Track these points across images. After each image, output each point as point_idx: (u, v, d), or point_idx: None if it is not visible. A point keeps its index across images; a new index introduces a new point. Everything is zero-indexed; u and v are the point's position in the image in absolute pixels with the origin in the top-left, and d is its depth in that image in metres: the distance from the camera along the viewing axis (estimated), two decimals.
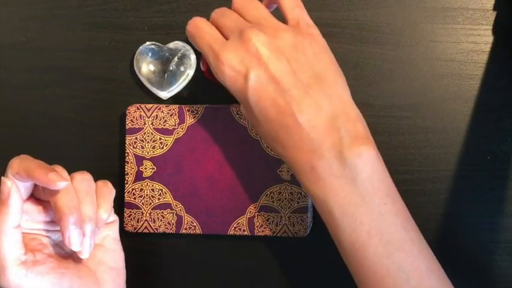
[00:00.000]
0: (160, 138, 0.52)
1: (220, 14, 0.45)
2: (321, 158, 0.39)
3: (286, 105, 0.40)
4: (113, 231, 0.47)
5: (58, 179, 0.40)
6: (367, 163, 0.39)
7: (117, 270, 0.47)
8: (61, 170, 0.42)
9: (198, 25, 0.44)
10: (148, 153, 0.52)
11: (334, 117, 0.40)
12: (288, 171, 0.51)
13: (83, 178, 0.44)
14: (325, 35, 0.51)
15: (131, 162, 0.52)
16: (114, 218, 0.47)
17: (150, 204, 0.52)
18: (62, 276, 0.42)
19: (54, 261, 0.43)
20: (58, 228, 0.42)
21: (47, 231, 0.44)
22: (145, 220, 0.52)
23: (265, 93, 0.40)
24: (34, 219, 0.43)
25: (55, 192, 0.41)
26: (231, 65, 0.41)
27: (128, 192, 0.52)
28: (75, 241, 0.41)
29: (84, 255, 0.42)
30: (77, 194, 0.42)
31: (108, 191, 0.45)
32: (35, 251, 0.42)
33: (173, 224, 0.52)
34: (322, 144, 0.40)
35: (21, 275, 0.40)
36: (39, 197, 0.43)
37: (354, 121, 0.41)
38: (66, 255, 0.45)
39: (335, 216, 0.40)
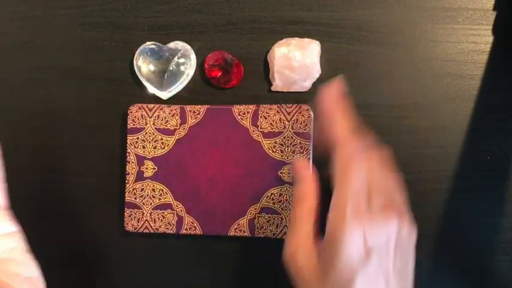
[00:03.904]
0: (161, 139, 0.52)
1: None
2: None
3: None
4: (19, 243, 0.48)
5: None
6: None
7: (32, 280, 0.47)
8: None
9: None
10: (149, 153, 0.52)
11: None
12: (288, 173, 0.51)
13: None
14: (325, 35, 0.52)
15: (132, 162, 0.52)
16: (15, 229, 0.47)
17: (151, 204, 0.52)
18: None
19: None
20: None
21: None
22: (146, 220, 0.52)
23: None
24: None
25: None
26: None
27: (128, 192, 0.52)
28: None
29: None
30: None
31: None
32: None
33: (173, 224, 0.52)
34: None
35: None
36: None
37: None
38: None
39: None
